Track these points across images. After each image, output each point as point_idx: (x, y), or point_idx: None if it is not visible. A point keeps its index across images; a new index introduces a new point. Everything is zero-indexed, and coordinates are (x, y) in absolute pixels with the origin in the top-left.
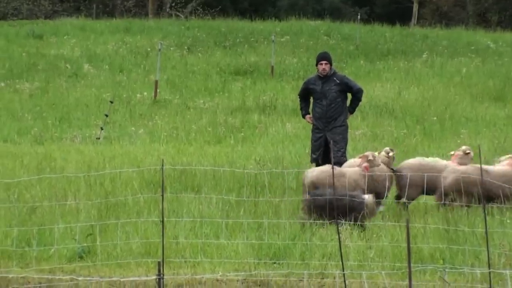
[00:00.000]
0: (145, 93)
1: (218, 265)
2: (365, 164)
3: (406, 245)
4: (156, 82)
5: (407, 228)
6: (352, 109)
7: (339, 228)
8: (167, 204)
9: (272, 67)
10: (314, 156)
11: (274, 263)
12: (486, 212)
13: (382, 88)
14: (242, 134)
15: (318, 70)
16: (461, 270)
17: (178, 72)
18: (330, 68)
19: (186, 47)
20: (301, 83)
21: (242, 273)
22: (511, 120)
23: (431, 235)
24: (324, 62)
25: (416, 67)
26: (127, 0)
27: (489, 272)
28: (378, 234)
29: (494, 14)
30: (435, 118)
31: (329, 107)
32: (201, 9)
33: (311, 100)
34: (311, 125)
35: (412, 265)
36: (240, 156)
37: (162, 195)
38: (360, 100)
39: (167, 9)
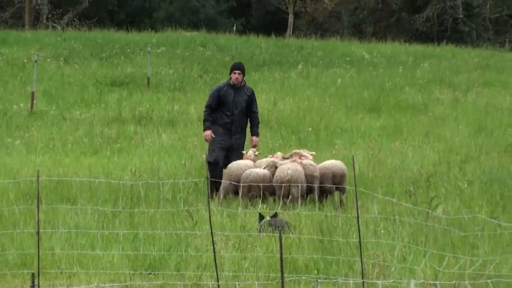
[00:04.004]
0: (22, 105)
1: (93, 276)
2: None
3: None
4: (33, 93)
5: (280, 239)
6: (255, 132)
7: (214, 239)
8: (43, 215)
9: (148, 78)
10: (214, 155)
11: (150, 273)
12: (359, 222)
13: (258, 99)
14: (118, 145)
15: (231, 79)
16: (334, 280)
17: (54, 83)
18: (243, 79)
19: (62, 59)
20: (177, 94)
21: (117, 284)
22: (386, 131)
23: (306, 245)
24: (238, 71)
25: (291, 78)
26: (3, 12)
27: (362, 282)
28: (253, 245)
29: (369, 25)
30: (310, 128)
31: (238, 116)
32: (77, 21)
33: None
34: (215, 127)
35: (286, 275)
36: (116, 167)
37: (38, 206)
38: (259, 122)
39: (44, 21)
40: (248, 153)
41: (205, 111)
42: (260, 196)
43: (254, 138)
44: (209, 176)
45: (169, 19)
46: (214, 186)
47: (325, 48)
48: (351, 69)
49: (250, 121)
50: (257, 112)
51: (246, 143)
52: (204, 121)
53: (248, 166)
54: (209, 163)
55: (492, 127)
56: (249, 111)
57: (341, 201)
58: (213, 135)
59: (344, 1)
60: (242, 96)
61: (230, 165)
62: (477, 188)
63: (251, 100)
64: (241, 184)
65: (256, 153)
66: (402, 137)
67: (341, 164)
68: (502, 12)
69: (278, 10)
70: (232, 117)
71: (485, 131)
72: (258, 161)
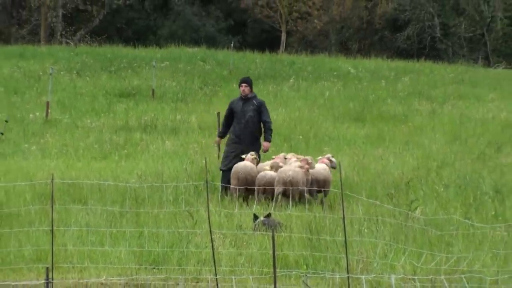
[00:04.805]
0: (37, 113)
1: (102, 270)
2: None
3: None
4: (48, 103)
5: (273, 237)
6: (267, 138)
7: (212, 236)
8: (57, 214)
9: (153, 90)
10: (226, 163)
11: (154, 268)
12: (345, 222)
13: None
14: (126, 151)
15: (240, 92)
16: (322, 275)
17: (67, 94)
18: (251, 91)
19: (75, 72)
20: (179, 104)
21: (124, 277)
22: (369, 139)
23: (296, 243)
24: (244, 84)
25: (284, 91)
26: (21, 28)
27: (348, 277)
28: (248, 242)
29: (354, 42)
30: (300, 137)
31: (247, 124)
32: (89, 37)
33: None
34: (229, 137)
35: (278, 270)
36: (123, 171)
37: (52, 206)
38: (270, 129)
39: (58, 37)
40: (247, 157)
41: (223, 121)
42: (272, 197)
43: (265, 143)
44: (221, 182)
45: (172, 36)
46: (225, 189)
47: (315, 63)
48: (338, 82)
49: (263, 129)
50: (268, 122)
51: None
52: (219, 130)
53: (250, 167)
54: (222, 170)
55: (466, 136)
56: (262, 121)
57: (322, 203)
58: (219, 144)
59: (331, 21)
60: (250, 106)
61: (236, 165)
62: (452, 192)
63: (260, 110)
64: (256, 187)
65: (253, 156)
66: (384, 145)
67: (324, 170)
68: (476, 31)
69: (272, 29)
70: (241, 126)
71: (460, 139)
72: (261, 164)
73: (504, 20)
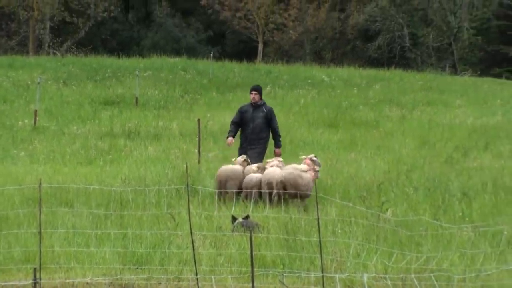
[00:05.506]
0: (26, 121)
1: (88, 270)
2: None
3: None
4: (36, 111)
5: (251, 238)
6: (277, 145)
7: (193, 238)
8: (44, 217)
9: (137, 98)
10: None
11: (137, 268)
12: (320, 223)
13: (231, 116)
14: (110, 156)
15: (250, 99)
16: (298, 274)
17: (55, 102)
18: (260, 99)
19: (62, 81)
20: (161, 112)
21: (109, 277)
22: (342, 144)
23: (273, 243)
24: (254, 92)
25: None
26: (10, 40)
27: (322, 276)
28: (227, 243)
29: (328, 52)
30: None
31: (255, 129)
32: (75, 48)
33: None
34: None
35: (255, 270)
36: (108, 175)
37: (40, 209)
38: (279, 135)
39: (46, 48)
40: (237, 160)
41: (230, 125)
42: (258, 198)
43: (276, 150)
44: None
45: (154, 47)
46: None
47: (290, 72)
48: (312, 90)
49: (272, 136)
50: (277, 128)
51: (269, 153)
52: (228, 132)
53: (235, 170)
54: None
55: (434, 141)
56: (271, 128)
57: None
58: (232, 142)
59: (306, 31)
60: (259, 113)
61: (220, 169)
62: (422, 194)
63: (270, 117)
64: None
65: (242, 159)
66: (356, 149)
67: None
68: (443, 41)
69: (250, 39)
70: (250, 130)
71: (428, 144)
72: (248, 167)
73: (470, 30)
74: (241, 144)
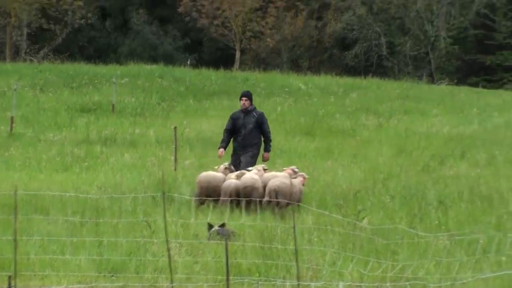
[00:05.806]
0: (2, 127)
1: (63, 278)
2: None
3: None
4: (12, 118)
5: (226, 246)
6: (267, 149)
7: (169, 245)
8: (20, 224)
9: (113, 105)
10: None
11: (112, 276)
12: (296, 231)
13: (208, 124)
14: (86, 163)
15: (240, 105)
16: (273, 282)
17: (31, 109)
18: (250, 104)
19: (38, 88)
20: (138, 119)
21: (84, 285)
22: (319, 152)
23: (249, 251)
24: (244, 98)
25: (238, 106)
26: None
27: (298, 284)
28: (203, 251)
29: (305, 60)
30: None
31: (247, 135)
32: (52, 55)
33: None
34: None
35: (231, 278)
36: (84, 182)
37: (15, 217)
38: (270, 140)
39: (23, 54)
40: (220, 168)
41: (223, 133)
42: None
43: (265, 154)
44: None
45: (131, 54)
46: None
47: (267, 80)
48: (289, 98)
49: (263, 140)
50: (268, 132)
51: (259, 158)
52: (221, 141)
53: (217, 177)
54: None
55: (411, 149)
56: (262, 131)
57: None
58: (222, 154)
59: (283, 40)
60: (250, 118)
61: (200, 175)
62: (398, 202)
63: (261, 122)
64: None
65: (225, 166)
66: (333, 157)
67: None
68: (420, 50)
69: (227, 47)
70: (242, 136)
71: (405, 152)
72: (229, 175)
73: (447, 39)
74: (234, 151)
